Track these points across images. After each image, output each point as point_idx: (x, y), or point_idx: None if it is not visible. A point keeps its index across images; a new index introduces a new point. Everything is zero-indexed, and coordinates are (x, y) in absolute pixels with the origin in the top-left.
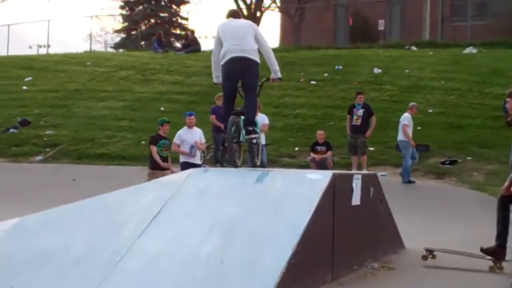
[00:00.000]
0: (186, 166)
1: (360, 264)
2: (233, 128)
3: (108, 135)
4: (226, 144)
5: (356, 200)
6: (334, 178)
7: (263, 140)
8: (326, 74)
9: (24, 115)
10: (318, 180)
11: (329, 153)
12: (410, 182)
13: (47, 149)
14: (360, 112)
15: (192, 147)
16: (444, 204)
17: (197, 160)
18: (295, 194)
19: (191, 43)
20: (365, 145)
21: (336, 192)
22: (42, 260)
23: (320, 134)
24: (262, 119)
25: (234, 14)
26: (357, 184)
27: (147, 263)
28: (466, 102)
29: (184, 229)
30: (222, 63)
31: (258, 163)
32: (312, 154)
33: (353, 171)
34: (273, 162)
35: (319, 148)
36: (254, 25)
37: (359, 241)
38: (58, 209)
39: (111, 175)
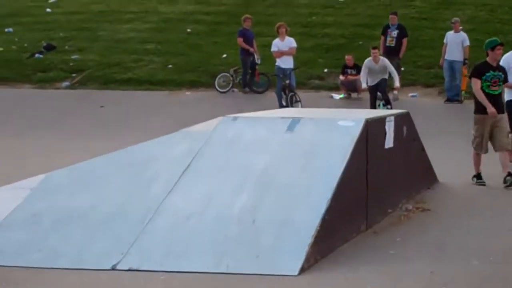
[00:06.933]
0: None
1: (394, 206)
2: None
3: (135, 58)
4: None
5: (389, 143)
6: (367, 124)
7: (291, 64)
8: None
9: (49, 39)
10: (350, 127)
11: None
12: None
13: (73, 75)
14: (394, 33)
15: None
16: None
17: None
18: (327, 143)
19: None
20: (399, 67)
21: (369, 139)
22: (71, 220)
23: (348, 59)
24: (289, 42)
25: None
26: (390, 127)
27: (178, 222)
28: (497, 17)
29: (215, 184)
30: None
31: None
32: (341, 77)
33: (385, 114)
34: (302, 85)
35: (349, 71)
36: None
37: (392, 183)
38: (85, 164)
39: (139, 101)
